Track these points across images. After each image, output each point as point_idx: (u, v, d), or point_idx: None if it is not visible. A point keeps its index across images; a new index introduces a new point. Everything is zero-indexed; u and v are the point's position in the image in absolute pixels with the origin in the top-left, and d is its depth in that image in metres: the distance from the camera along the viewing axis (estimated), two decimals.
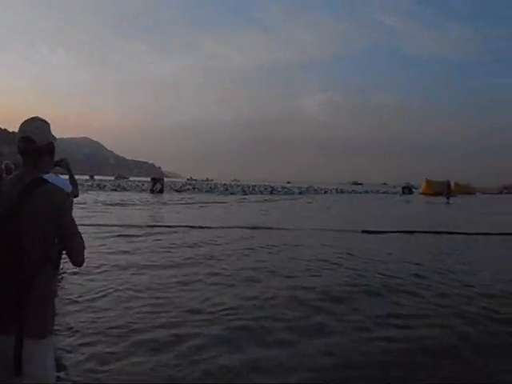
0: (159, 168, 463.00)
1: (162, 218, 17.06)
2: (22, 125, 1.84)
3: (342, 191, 58.97)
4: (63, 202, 1.79)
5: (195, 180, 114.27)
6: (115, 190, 40.35)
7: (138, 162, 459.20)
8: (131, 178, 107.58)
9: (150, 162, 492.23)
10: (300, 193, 50.09)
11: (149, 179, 46.59)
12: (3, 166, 7.44)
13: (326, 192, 54.43)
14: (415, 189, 57.46)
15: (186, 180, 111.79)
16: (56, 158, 1.98)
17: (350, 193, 55.13)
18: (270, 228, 13.50)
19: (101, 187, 42.92)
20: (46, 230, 1.73)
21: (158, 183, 39.35)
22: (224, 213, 19.81)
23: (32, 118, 1.87)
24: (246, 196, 38.92)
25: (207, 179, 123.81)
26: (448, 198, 35.23)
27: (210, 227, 13.05)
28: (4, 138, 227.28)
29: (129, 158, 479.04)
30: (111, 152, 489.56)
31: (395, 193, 55.52)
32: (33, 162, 1.81)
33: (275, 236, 11.84)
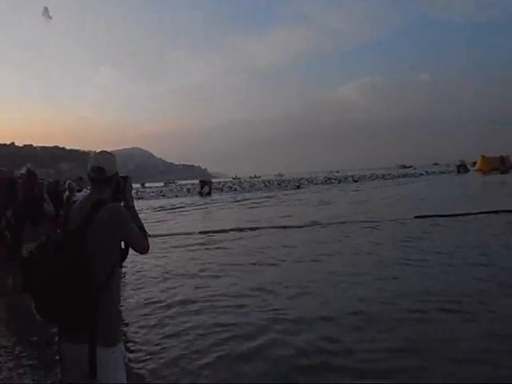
0: (205, 169, 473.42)
1: (225, 219, 16.58)
2: (94, 156, 2.12)
3: (404, 175, 55.98)
4: (119, 215, 1.98)
5: (240, 178, 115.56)
6: (164, 196, 41.54)
7: (186, 165, 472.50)
8: (179, 182, 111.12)
9: (196, 164, 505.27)
10: (355, 181, 48.60)
11: (196, 181, 47.70)
12: (67, 185, 8.05)
13: (383, 177, 52.30)
14: (470, 166, 54.07)
15: (231, 179, 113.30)
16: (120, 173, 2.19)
17: (405, 176, 52.85)
18: (343, 222, 12.70)
19: (154, 194, 44.42)
20: (110, 243, 1.94)
21: (206, 185, 40.24)
22: (283, 209, 19.51)
23: (102, 151, 2.15)
24: (300, 189, 38.89)
25: (255, 176, 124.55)
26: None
27: (289, 226, 12.69)
28: (63, 156, 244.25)
29: (177, 163, 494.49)
30: (160, 159, 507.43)
31: (445, 172, 52.98)
32: (100, 188, 2.06)
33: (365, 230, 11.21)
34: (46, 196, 5.50)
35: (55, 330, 3.57)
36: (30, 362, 3.89)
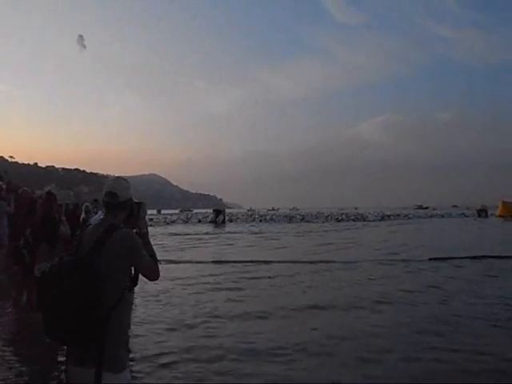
0: (220, 200, 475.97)
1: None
2: (109, 181, 2.19)
3: (421, 216, 54.53)
4: (130, 240, 2.01)
5: (254, 210, 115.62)
6: (185, 222, 41.90)
7: (201, 194, 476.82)
8: (195, 210, 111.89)
9: (212, 194, 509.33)
10: (380, 219, 46.81)
11: (210, 210, 48.08)
12: (83, 207, 8.28)
13: (406, 217, 50.80)
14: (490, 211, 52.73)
15: (246, 210, 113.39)
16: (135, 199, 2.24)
17: (422, 217, 51.75)
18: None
19: (168, 221, 44.75)
20: (121, 267, 1.97)
21: (220, 215, 40.63)
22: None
23: (117, 177, 2.22)
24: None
25: (273, 209, 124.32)
26: None
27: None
28: (83, 178, 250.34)
29: (193, 191, 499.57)
30: (177, 187, 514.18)
31: (468, 216, 51.66)
32: (113, 213, 2.12)
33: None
34: (63, 218, 5.64)
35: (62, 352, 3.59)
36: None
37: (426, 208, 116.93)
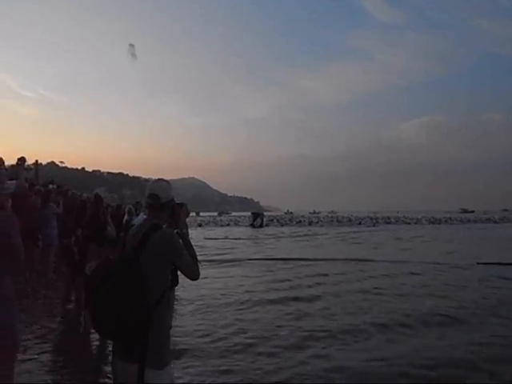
0: (257, 202, 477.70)
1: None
2: (151, 183, 2.24)
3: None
4: (170, 240, 2.05)
5: (292, 213, 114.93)
6: (228, 225, 42.89)
7: (239, 197, 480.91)
8: (233, 213, 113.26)
9: (249, 197, 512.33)
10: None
11: (249, 213, 48.44)
12: (127, 209, 8.62)
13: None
14: None
15: (284, 213, 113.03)
16: (176, 200, 2.28)
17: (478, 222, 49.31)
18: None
19: (216, 223, 45.62)
20: (162, 266, 2.01)
21: (258, 218, 40.80)
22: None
23: (158, 179, 2.27)
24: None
25: (314, 212, 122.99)
26: None
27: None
28: (127, 182, 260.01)
29: (230, 194, 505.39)
30: (215, 190, 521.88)
31: None
32: (155, 213, 2.17)
33: None
34: (109, 220, 5.89)
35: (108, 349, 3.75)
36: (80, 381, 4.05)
37: (472, 212, 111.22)
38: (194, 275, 2.13)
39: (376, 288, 8.82)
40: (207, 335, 5.47)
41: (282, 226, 42.70)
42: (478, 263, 12.39)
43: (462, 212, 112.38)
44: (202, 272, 2.19)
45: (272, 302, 7.63)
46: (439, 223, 45.75)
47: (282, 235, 27.33)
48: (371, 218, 54.31)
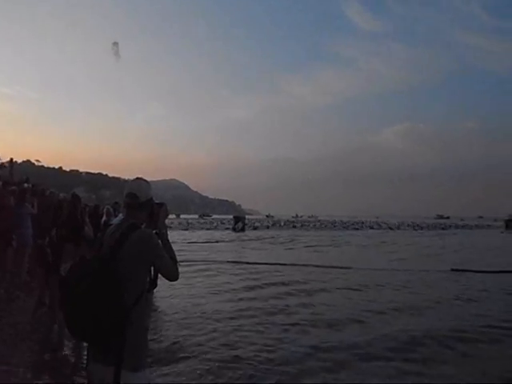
0: (239, 206, 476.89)
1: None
2: (130, 183, 2.22)
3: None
4: (149, 240, 2.03)
5: (273, 216, 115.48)
6: (208, 229, 42.49)
7: (220, 200, 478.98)
8: (214, 216, 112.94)
9: (231, 200, 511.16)
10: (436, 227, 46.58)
11: (230, 216, 48.50)
12: (105, 210, 8.47)
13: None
14: None
15: (264, 216, 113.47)
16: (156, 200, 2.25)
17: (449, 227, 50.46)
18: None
19: (190, 226, 45.36)
20: (141, 267, 1.99)
21: (239, 222, 40.83)
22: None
23: (137, 178, 2.23)
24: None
25: (296, 216, 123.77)
26: None
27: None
28: (106, 183, 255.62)
29: (211, 196, 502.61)
30: (196, 192, 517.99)
31: (499, 227, 50.14)
32: (133, 213, 2.14)
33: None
34: (87, 220, 5.77)
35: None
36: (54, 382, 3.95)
37: (447, 218, 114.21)
38: (172, 277, 2.10)
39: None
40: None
41: (267, 228, 43.13)
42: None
43: (437, 218, 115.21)
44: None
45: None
46: (421, 229, 46.50)
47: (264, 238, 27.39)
48: (354, 223, 55.55)
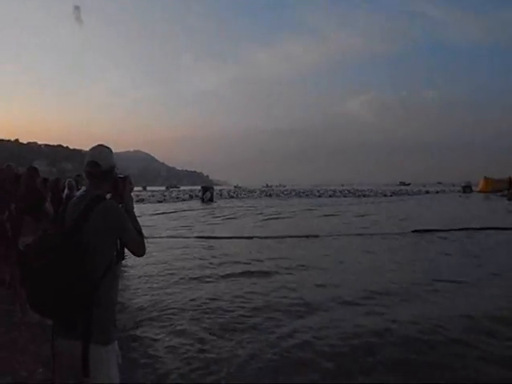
0: (207, 176, 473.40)
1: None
2: (90, 150, 2.08)
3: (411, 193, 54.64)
4: (116, 212, 1.97)
5: (241, 187, 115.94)
6: (176, 200, 41.38)
7: (188, 171, 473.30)
8: (182, 188, 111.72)
9: (199, 171, 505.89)
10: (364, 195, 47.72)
11: (198, 187, 48.08)
12: (67, 183, 8.12)
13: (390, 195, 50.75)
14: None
15: (233, 187, 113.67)
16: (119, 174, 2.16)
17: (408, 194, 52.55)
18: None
19: (158, 199, 44.39)
20: (107, 240, 1.92)
21: (207, 192, 40.45)
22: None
23: (98, 145, 2.11)
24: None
25: (267, 185, 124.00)
26: (510, 199, 31.73)
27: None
28: (67, 155, 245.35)
29: (179, 168, 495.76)
30: (163, 164, 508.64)
31: (457, 191, 53.21)
32: (96, 183, 2.04)
33: None
34: (49, 194, 5.51)
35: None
36: (22, 358, 3.86)
37: (409, 184, 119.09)
38: (139, 250, 2.06)
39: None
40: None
41: (232, 198, 43.28)
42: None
43: (400, 184, 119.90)
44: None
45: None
46: (390, 196, 47.87)
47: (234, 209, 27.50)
48: (328, 190, 56.99)
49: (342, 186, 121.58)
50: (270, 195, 49.58)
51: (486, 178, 49.26)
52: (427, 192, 56.10)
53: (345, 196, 48.08)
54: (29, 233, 4.30)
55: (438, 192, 56.37)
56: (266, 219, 19.30)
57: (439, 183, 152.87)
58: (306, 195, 49.32)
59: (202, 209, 28.47)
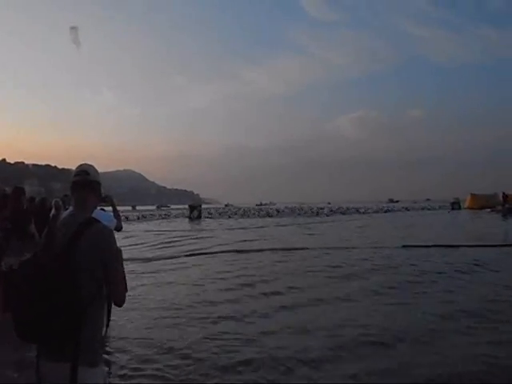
0: (197, 195, 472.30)
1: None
2: (78, 166, 2.11)
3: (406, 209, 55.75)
4: (108, 239, 1.95)
5: (232, 205, 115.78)
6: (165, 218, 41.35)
7: (178, 190, 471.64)
8: (172, 206, 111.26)
9: (189, 189, 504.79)
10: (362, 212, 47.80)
11: (187, 206, 47.91)
12: (53, 203, 7.97)
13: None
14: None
15: (224, 206, 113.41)
16: (102, 194, 2.17)
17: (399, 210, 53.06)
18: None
19: (146, 217, 44.19)
20: (97, 265, 1.88)
21: (195, 210, 40.41)
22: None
23: (84, 163, 2.13)
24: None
25: (261, 203, 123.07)
26: (505, 215, 31.08)
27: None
28: (55, 175, 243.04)
29: (169, 187, 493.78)
30: (152, 183, 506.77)
31: (446, 208, 53.67)
32: (83, 197, 2.02)
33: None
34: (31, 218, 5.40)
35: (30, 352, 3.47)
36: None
37: (397, 202, 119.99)
38: (119, 298, 1.97)
39: None
40: None
41: (229, 217, 42.91)
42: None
43: (389, 202, 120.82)
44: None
45: None
46: (377, 213, 48.19)
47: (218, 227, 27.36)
48: (322, 209, 56.73)
49: (329, 204, 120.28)
50: (271, 216, 44.31)
51: (472, 195, 49.02)
52: (423, 209, 56.70)
53: (343, 213, 46.77)
54: (13, 254, 4.22)
55: (423, 209, 57.10)
56: None
57: (428, 200, 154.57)
58: (298, 215, 46.16)
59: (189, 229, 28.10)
